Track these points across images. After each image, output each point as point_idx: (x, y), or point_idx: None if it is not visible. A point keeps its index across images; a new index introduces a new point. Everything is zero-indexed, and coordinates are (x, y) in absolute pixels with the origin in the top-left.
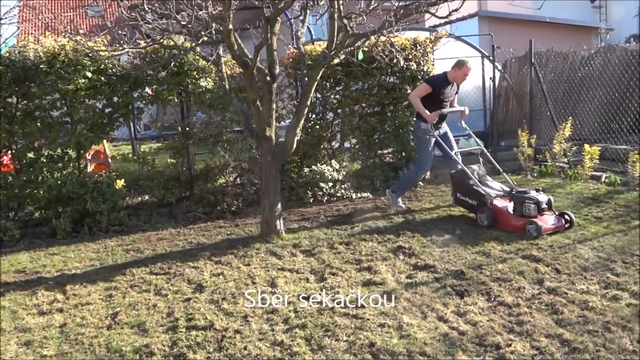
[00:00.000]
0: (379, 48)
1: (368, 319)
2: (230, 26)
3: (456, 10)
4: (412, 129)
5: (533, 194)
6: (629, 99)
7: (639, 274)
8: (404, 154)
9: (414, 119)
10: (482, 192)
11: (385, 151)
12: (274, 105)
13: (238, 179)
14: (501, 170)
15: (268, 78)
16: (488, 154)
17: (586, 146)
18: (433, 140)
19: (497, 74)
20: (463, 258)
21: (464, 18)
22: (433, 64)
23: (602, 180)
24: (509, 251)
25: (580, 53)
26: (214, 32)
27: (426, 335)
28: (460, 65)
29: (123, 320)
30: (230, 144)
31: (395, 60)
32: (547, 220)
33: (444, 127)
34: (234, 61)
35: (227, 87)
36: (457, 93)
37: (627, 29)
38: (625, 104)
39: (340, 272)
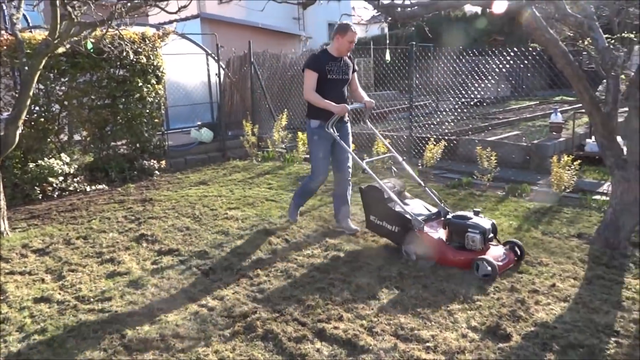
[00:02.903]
0: (107, 40)
1: (116, 311)
2: None
3: (185, 7)
4: (145, 120)
5: (475, 219)
6: None
7: (352, 235)
8: (138, 145)
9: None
10: (407, 215)
11: (119, 143)
12: None
13: None
14: (421, 182)
15: None
16: (399, 157)
17: (299, 133)
18: (327, 141)
19: (222, 71)
20: (204, 239)
21: (188, 18)
22: (162, 59)
23: None
24: (244, 228)
25: (289, 55)
26: None
27: (177, 317)
28: (342, 31)
29: None
30: None
31: (125, 53)
32: (497, 255)
33: (345, 130)
34: None
35: None
36: (355, 71)
37: (321, 37)
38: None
39: (81, 268)
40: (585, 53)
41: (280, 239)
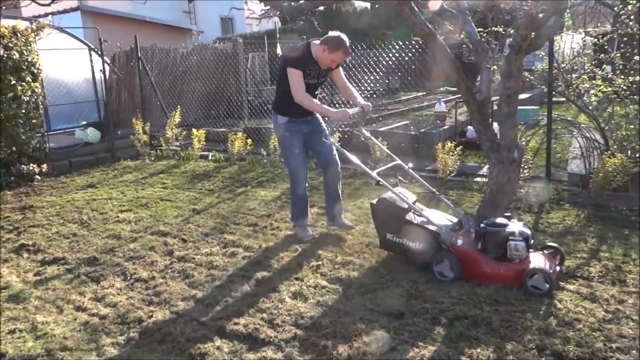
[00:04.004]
0: None
1: None
2: None
3: None
4: (21, 121)
5: (513, 225)
6: (222, 89)
7: (251, 230)
8: (14, 148)
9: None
10: (434, 229)
11: None
12: None
13: None
14: (430, 187)
15: None
16: (405, 166)
17: (194, 130)
18: (300, 135)
19: (107, 67)
20: (94, 244)
21: (67, 11)
22: (37, 55)
23: (210, 158)
24: (138, 230)
25: (180, 50)
26: None
27: (65, 329)
28: (333, 47)
29: None
30: None
31: None
32: (543, 264)
33: (316, 121)
34: None
35: None
36: (324, 81)
37: (214, 31)
38: (220, 94)
39: None
40: (465, 46)
41: (177, 239)
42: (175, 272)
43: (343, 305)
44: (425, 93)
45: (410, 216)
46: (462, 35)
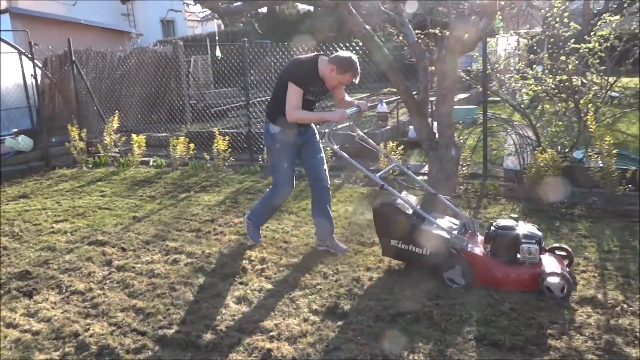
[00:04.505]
0: None
1: None
2: None
3: None
4: None
5: (523, 226)
6: (163, 93)
7: (194, 236)
8: None
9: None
10: (443, 233)
11: None
12: None
13: None
14: (431, 189)
15: None
16: (404, 168)
17: (133, 136)
18: (292, 148)
19: (39, 71)
20: (26, 257)
21: None
22: None
23: (151, 164)
24: (74, 241)
25: (117, 53)
26: None
27: None
28: (343, 69)
29: None
30: None
31: None
32: (555, 265)
33: (310, 132)
34: None
35: None
36: (324, 98)
37: (155, 34)
38: (161, 98)
39: None
40: (406, 47)
41: (116, 248)
42: (114, 282)
43: (288, 308)
44: (369, 94)
45: (417, 221)
46: (400, 37)
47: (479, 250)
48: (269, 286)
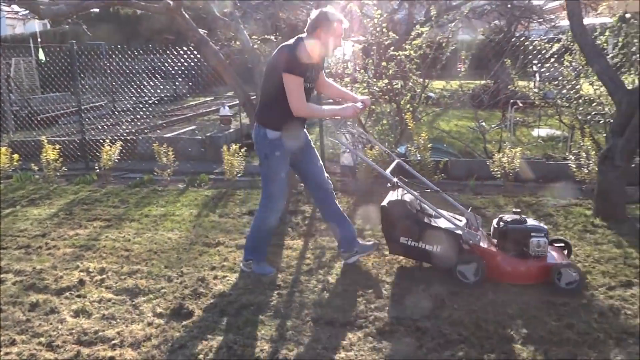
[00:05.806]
0: None
1: None
2: None
3: None
4: None
5: (530, 220)
6: None
7: (23, 253)
8: None
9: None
10: (453, 229)
11: None
12: None
13: None
14: (433, 186)
15: None
16: (405, 165)
17: None
18: (288, 157)
19: None
20: None
21: None
22: None
23: None
24: None
25: None
26: None
27: None
28: (328, 23)
29: None
30: None
31: None
32: (560, 257)
33: (306, 134)
34: None
35: None
36: (322, 69)
37: None
38: None
39: None
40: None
41: None
42: None
43: (131, 315)
44: (213, 98)
45: (428, 218)
46: (237, 43)
47: (488, 245)
48: (110, 295)
